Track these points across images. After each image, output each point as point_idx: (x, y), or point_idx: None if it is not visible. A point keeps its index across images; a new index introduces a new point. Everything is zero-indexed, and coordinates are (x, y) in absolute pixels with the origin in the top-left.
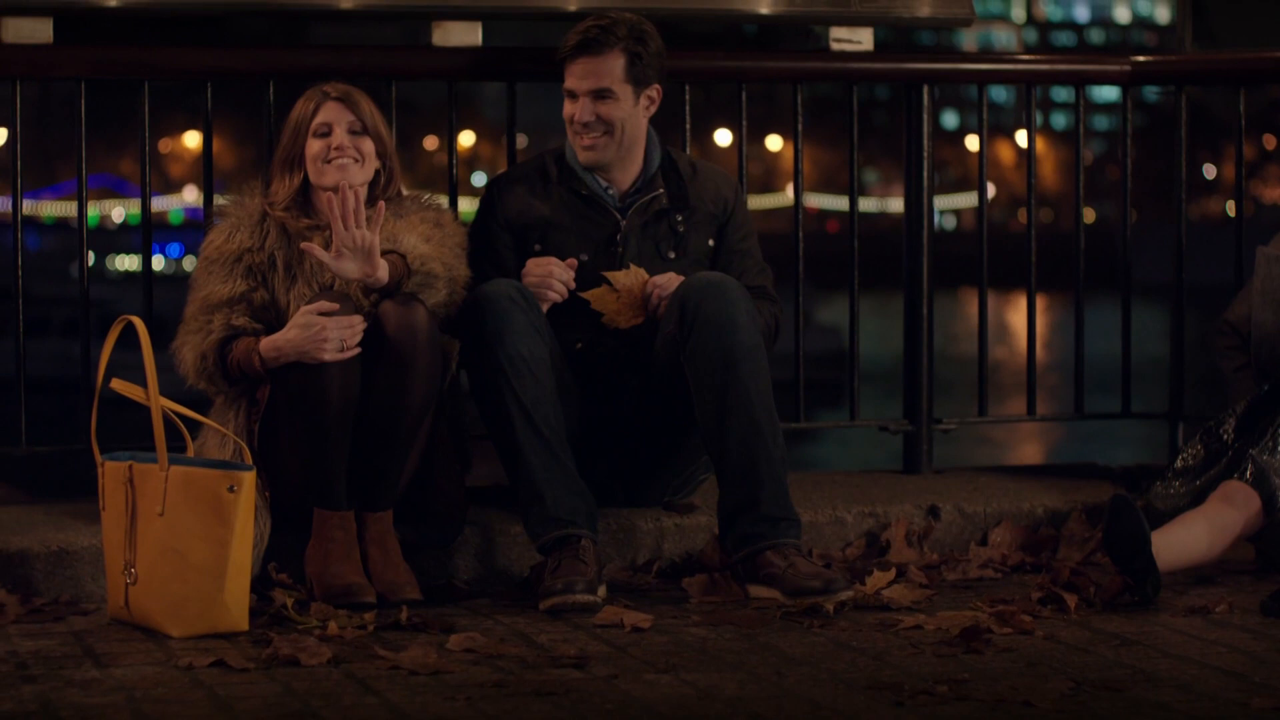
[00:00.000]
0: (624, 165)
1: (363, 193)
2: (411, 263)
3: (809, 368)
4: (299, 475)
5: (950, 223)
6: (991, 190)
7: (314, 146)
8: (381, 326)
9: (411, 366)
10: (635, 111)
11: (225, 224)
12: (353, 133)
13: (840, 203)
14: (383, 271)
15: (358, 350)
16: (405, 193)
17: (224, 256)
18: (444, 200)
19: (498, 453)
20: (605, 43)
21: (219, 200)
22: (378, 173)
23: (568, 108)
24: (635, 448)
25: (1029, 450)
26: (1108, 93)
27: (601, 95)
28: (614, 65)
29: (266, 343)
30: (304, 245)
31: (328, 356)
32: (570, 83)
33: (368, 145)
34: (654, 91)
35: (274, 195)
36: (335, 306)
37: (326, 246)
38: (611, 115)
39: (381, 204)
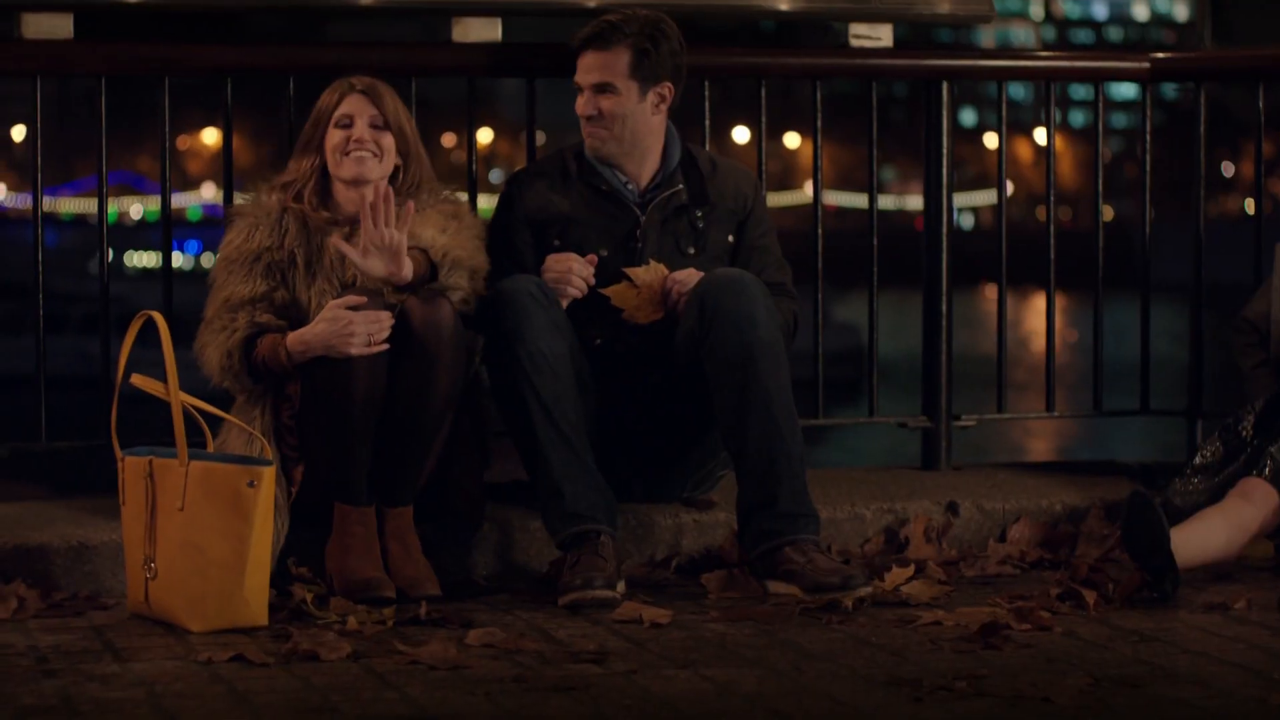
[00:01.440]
0: (640, 160)
1: (384, 186)
2: (434, 255)
3: (827, 365)
4: (323, 469)
5: (968, 220)
6: (1010, 188)
7: (334, 137)
8: (407, 322)
9: (437, 362)
10: (640, 108)
11: (243, 223)
12: (374, 127)
13: (859, 200)
14: (407, 270)
15: (385, 346)
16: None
17: (243, 256)
18: (462, 196)
19: (517, 449)
20: (612, 38)
21: (236, 200)
22: (397, 168)
23: (578, 100)
24: (654, 443)
25: (1047, 447)
26: (1126, 90)
27: (603, 89)
28: (619, 60)
29: (294, 337)
30: (332, 240)
31: (355, 351)
32: (578, 75)
33: (388, 140)
34: (664, 89)
35: (289, 177)
36: (363, 300)
37: (346, 240)
38: (612, 110)
39: (410, 204)
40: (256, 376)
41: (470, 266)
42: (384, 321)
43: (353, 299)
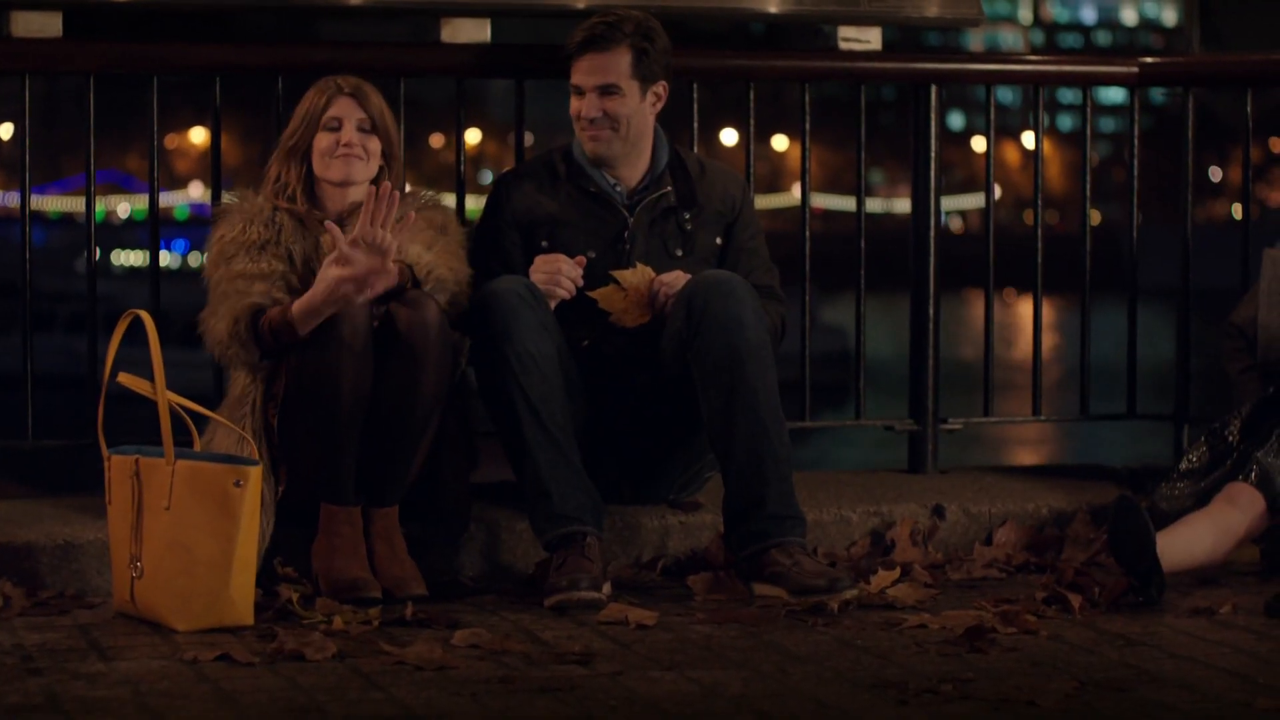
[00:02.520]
0: (631, 162)
1: (387, 188)
2: (418, 272)
3: (814, 368)
4: (309, 469)
5: (955, 224)
6: (998, 192)
7: (323, 140)
8: (394, 322)
9: (423, 363)
10: (641, 107)
11: (235, 218)
12: (361, 130)
13: (846, 203)
14: (393, 277)
15: (382, 290)
16: (407, 189)
17: (245, 243)
18: (444, 197)
19: (505, 449)
20: (612, 39)
21: (224, 198)
22: (381, 169)
23: (574, 104)
24: (641, 445)
25: (1034, 451)
26: (1114, 94)
27: (608, 91)
28: (620, 61)
29: (298, 305)
30: (327, 223)
31: (359, 299)
32: (577, 79)
33: (374, 143)
34: (660, 88)
35: (279, 184)
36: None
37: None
38: (618, 111)
39: (411, 215)
40: (263, 348)
41: (452, 289)
42: (388, 270)
43: (348, 246)
